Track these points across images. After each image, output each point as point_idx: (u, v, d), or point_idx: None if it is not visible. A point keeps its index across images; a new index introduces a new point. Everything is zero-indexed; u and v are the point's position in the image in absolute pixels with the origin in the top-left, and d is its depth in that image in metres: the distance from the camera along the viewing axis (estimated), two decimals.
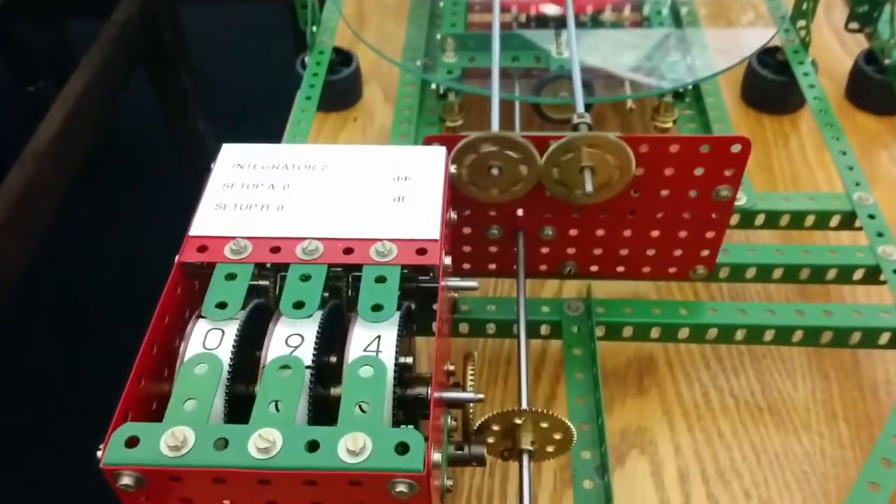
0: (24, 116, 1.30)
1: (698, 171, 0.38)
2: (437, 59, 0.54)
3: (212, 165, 0.35)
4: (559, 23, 0.55)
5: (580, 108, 0.40)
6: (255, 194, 0.32)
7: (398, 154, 0.35)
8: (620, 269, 0.43)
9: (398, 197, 0.32)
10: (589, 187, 0.36)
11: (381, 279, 0.29)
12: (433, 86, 0.54)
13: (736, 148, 0.38)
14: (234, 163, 0.34)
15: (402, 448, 0.24)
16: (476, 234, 0.42)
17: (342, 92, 0.62)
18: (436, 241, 0.30)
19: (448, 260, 0.31)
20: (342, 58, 0.63)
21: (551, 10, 0.54)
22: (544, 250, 0.43)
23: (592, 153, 0.37)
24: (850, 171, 0.49)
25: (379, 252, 0.30)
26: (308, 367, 0.27)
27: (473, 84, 0.52)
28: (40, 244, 1.14)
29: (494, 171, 0.37)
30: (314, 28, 0.61)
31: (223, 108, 1.83)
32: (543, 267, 0.43)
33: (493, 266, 0.43)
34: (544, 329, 0.42)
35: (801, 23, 0.61)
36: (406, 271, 0.30)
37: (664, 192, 0.39)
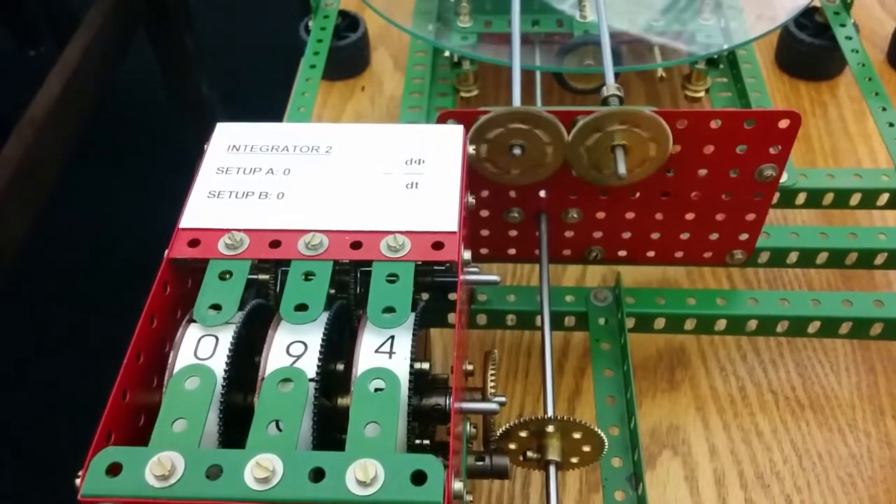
0: (26, 81, 1.27)
1: (741, 149, 0.35)
2: (451, 24, 0.50)
3: (205, 147, 0.31)
4: None
5: (610, 78, 0.37)
6: (253, 180, 0.29)
7: (410, 133, 0.31)
8: (651, 254, 0.40)
9: (411, 183, 0.29)
10: (622, 168, 0.33)
11: (392, 278, 0.26)
12: (446, 53, 0.50)
13: (784, 123, 0.34)
14: (229, 144, 0.31)
15: (419, 477, 0.21)
16: (495, 218, 0.39)
17: (349, 59, 0.59)
18: (454, 233, 0.27)
19: (468, 254, 0.28)
20: (349, 22, 0.59)
21: None
22: (569, 234, 0.39)
23: (625, 130, 0.33)
24: None
25: (390, 247, 0.27)
26: (312, 379, 0.24)
27: (490, 52, 0.48)
28: (41, 215, 1.11)
29: (516, 151, 0.34)
30: None
31: (228, 70, 1.79)
32: (567, 252, 0.40)
33: (513, 251, 0.40)
34: (568, 320, 0.38)
35: None
36: (420, 264, 0.27)
37: (702, 172, 0.36)
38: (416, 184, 0.29)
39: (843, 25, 0.53)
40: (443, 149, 0.31)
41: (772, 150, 0.35)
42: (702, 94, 0.50)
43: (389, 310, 0.25)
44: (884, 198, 0.43)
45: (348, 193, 0.29)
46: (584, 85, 0.48)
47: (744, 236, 0.39)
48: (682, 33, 0.48)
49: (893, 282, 0.44)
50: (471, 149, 0.32)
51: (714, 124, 0.34)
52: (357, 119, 0.57)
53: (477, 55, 0.47)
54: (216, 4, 1.88)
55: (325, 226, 0.27)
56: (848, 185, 0.43)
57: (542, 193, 0.37)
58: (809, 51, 0.56)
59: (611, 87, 0.36)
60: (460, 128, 0.32)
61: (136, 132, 1.75)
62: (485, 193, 0.37)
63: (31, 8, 1.97)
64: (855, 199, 0.43)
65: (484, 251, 0.40)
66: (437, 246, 0.27)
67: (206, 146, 0.31)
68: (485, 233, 0.39)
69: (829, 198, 0.43)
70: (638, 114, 0.33)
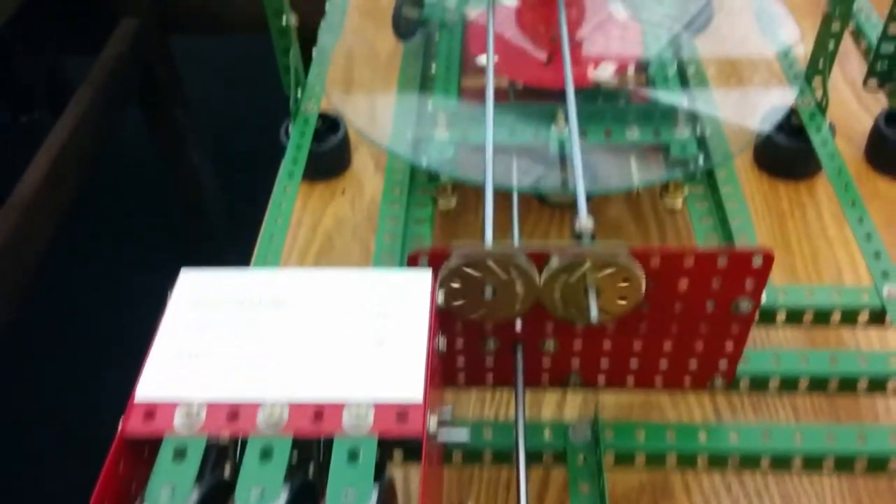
0: (19, 148, 1.28)
1: (715, 284, 0.34)
2: (429, 134, 0.50)
3: (168, 293, 0.31)
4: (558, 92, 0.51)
5: (583, 211, 0.36)
6: (214, 341, 0.28)
7: (378, 282, 0.31)
8: (630, 380, 0.39)
9: (378, 340, 0.28)
10: (594, 314, 0.32)
11: (354, 454, 0.25)
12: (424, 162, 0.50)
13: (757, 261, 0.34)
14: (193, 297, 0.30)
15: None
16: (470, 347, 0.38)
17: (329, 162, 0.59)
18: (419, 405, 0.26)
19: (433, 424, 0.27)
20: (329, 124, 0.59)
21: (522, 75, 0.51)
22: (546, 362, 0.39)
23: (597, 272, 0.33)
24: (878, 260, 0.45)
25: (352, 419, 0.26)
26: None
27: (469, 162, 0.48)
28: (27, 294, 1.10)
29: (488, 293, 0.33)
30: (298, 93, 0.58)
31: (219, 139, 1.80)
32: (545, 377, 0.39)
33: (489, 377, 0.40)
34: (547, 457, 0.37)
35: (817, 80, 0.57)
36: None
37: (678, 305, 0.35)
38: (382, 342, 0.28)
39: (818, 130, 0.54)
40: (411, 299, 0.30)
41: (747, 285, 0.35)
42: (679, 204, 0.50)
43: (349, 491, 0.24)
44: (864, 315, 0.43)
45: (312, 356, 0.28)
46: (562, 199, 0.48)
47: (723, 364, 0.38)
48: (658, 150, 0.48)
49: (878, 404, 0.43)
50: (440, 296, 0.31)
51: (687, 262, 0.34)
52: (337, 224, 0.56)
53: (453, 175, 0.47)
54: (208, 71, 1.91)
55: (287, 394, 0.27)
56: (828, 303, 0.43)
57: (518, 325, 0.37)
58: (786, 153, 0.56)
59: (582, 220, 0.35)
60: (428, 274, 0.31)
61: (127, 203, 1.75)
62: (459, 325, 0.37)
63: (24, 74, 1.99)
64: (836, 316, 0.43)
65: (461, 377, 0.40)
66: (402, 416, 0.26)
67: (169, 293, 0.31)
68: (461, 361, 0.39)
69: (809, 315, 0.43)
70: (610, 258, 0.32)
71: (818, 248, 0.53)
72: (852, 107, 0.64)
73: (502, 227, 0.47)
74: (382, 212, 0.49)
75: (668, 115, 0.50)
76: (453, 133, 0.49)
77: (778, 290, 0.43)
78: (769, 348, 0.46)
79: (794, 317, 0.43)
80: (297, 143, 0.54)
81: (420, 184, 0.51)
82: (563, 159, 0.46)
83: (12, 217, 1.03)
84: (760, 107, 0.53)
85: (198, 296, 0.30)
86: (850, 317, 0.43)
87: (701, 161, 0.48)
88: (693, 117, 0.49)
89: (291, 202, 0.50)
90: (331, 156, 0.58)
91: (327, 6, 0.67)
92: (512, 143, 0.48)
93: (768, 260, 0.34)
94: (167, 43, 1.52)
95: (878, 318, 0.43)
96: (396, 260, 0.46)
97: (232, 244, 1.76)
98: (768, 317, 0.43)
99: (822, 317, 0.43)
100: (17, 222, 1.05)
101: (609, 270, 0.33)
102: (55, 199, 1.16)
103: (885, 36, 0.55)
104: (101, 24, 1.38)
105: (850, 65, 0.67)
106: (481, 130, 0.46)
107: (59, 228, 1.20)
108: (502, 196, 0.46)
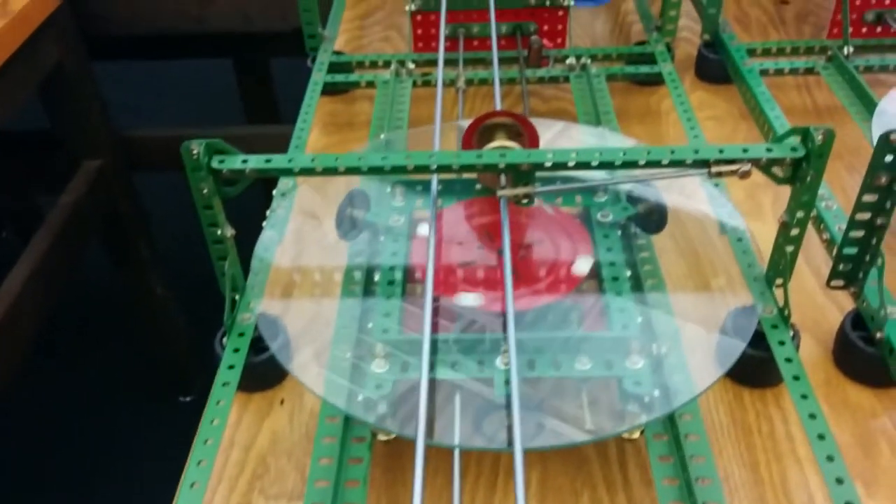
0: None
1: None
2: (366, 368, 0.46)
3: None
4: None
5: None
6: None
7: None
8: None
9: None
10: None
11: None
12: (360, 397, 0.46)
13: None
14: None
15: None
16: None
17: (266, 372, 0.55)
18: None
19: None
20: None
21: (468, 300, 0.49)
22: None
23: None
24: None
25: None
26: None
27: (408, 406, 0.45)
28: None
29: None
30: (236, 296, 0.55)
31: (182, 269, 1.78)
32: None
33: None
34: None
35: (779, 282, 0.55)
36: None
37: None
38: None
39: (781, 343, 0.51)
40: None
41: None
42: (636, 435, 0.46)
43: None
44: None
45: None
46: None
47: None
48: (611, 378, 0.45)
49: None
50: None
51: None
52: (273, 443, 0.52)
53: (388, 429, 0.43)
54: (171, 202, 1.89)
55: None
56: None
57: None
58: (749, 362, 0.53)
59: None
60: None
61: (91, 335, 1.71)
62: None
63: None
64: None
65: None
66: None
67: None
68: None
69: None
70: None
71: (788, 472, 0.49)
72: (818, 300, 0.61)
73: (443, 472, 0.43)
74: (316, 451, 0.45)
75: (622, 342, 0.47)
76: (392, 365, 0.46)
77: None
78: None
79: None
80: (230, 361, 0.51)
81: (356, 414, 0.47)
82: (510, 401, 0.43)
83: None
84: (723, 325, 0.50)
85: None
86: None
87: (657, 394, 0.44)
88: (650, 344, 0.47)
89: (220, 430, 0.47)
90: (269, 366, 0.54)
91: (274, 194, 0.65)
92: (456, 379, 0.45)
93: None
94: (130, 180, 1.51)
95: None
96: None
97: (197, 370, 1.71)
98: None
99: None
100: None
101: None
102: (15, 337, 1.13)
103: (846, 239, 0.54)
104: (65, 166, 1.37)
105: (812, 249, 0.65)
106: (420, 367, 0.43)
107: (21, 362, 1.17)
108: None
